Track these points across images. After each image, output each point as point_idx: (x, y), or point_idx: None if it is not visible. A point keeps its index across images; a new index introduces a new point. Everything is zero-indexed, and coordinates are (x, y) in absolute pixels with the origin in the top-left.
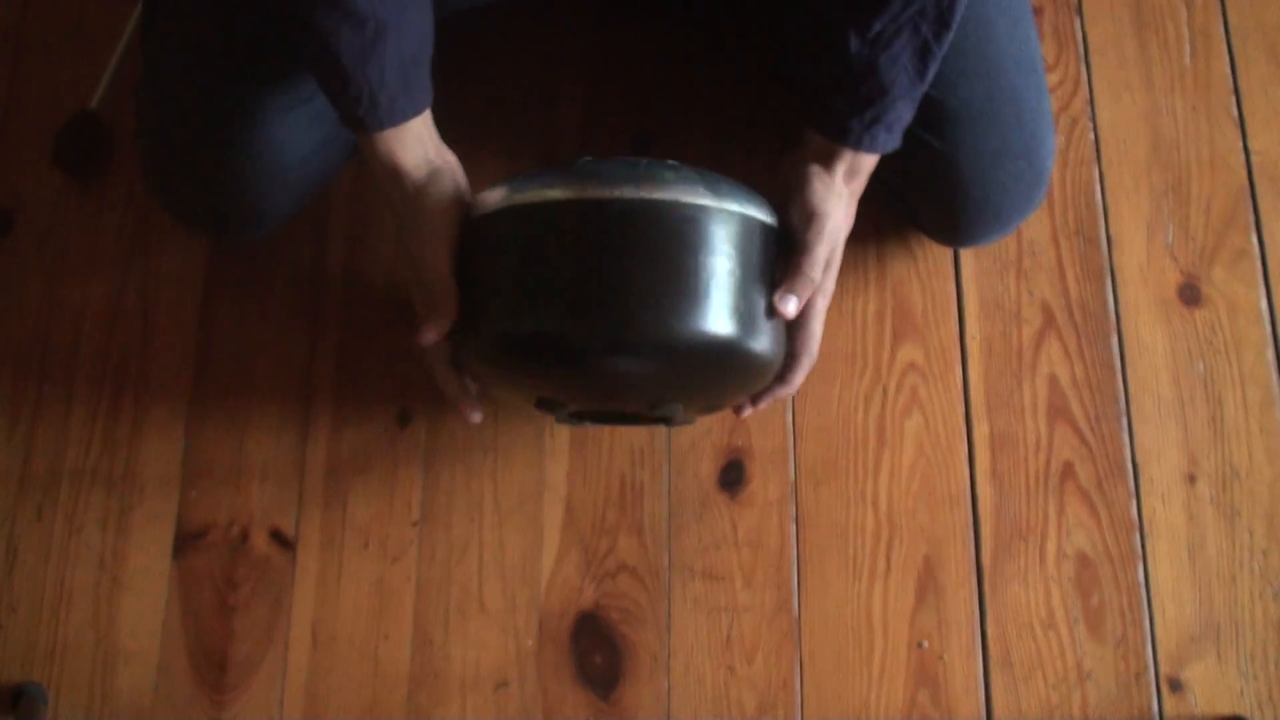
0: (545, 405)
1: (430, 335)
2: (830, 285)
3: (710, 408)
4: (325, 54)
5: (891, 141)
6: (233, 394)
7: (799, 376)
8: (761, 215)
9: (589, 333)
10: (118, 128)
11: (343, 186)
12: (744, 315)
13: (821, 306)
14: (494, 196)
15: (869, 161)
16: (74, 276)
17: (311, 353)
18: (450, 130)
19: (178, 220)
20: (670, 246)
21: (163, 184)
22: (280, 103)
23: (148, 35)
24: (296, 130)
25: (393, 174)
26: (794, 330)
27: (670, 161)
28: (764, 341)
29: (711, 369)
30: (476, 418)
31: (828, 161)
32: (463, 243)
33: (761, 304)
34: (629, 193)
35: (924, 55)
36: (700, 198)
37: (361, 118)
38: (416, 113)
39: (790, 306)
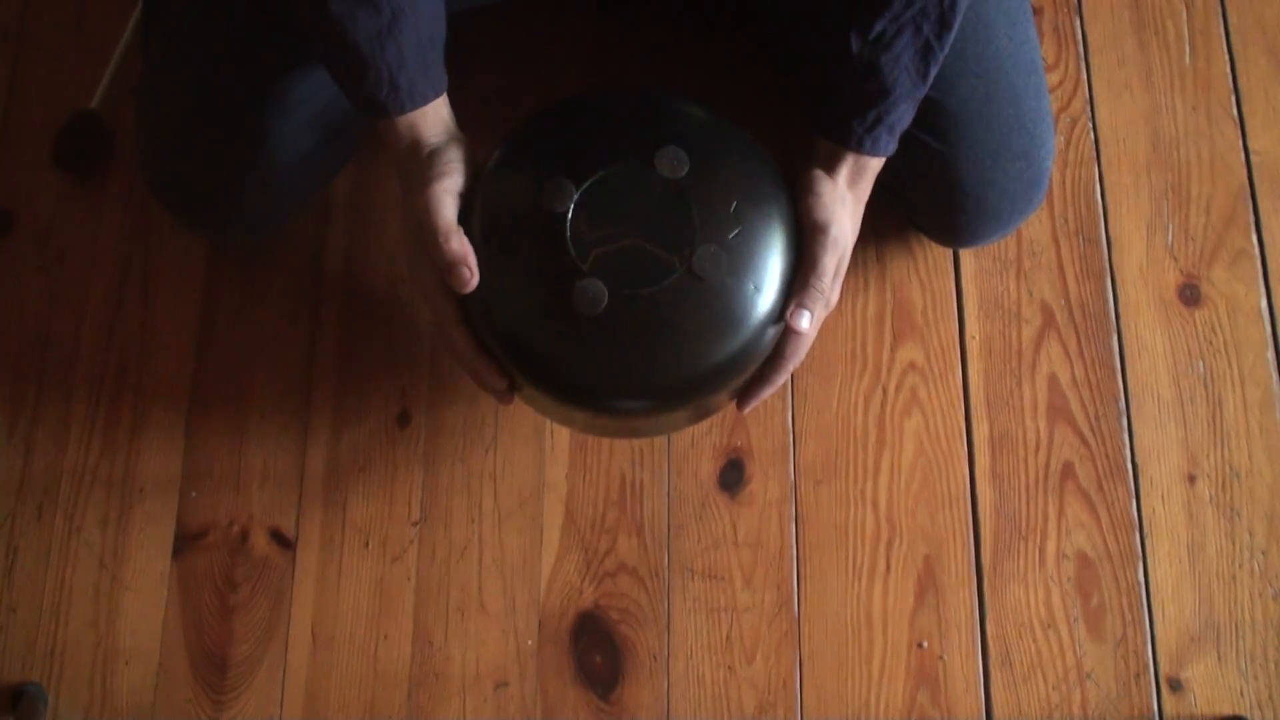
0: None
1: (460, 286)
2: (835, 296)
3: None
4: (342, 42)
5: (892, 144)
6: (233, 394)
7: (782, 376)
8: (787, 223)
9: (594, 384)
10: (118, 128)
11: (343, 187)
12: (757, 339)
13: (821, 315)
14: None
15: (873, 164)
16: (74, 276)
17: (311, 353)
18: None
19: (177, 221)
20: (699, 314)
21: (162, 184)
22: (280, 103)
23: (148, 35)
24: (297, 131)
25: (412, 146)
26: (788, 334)
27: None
28: (762, 341)
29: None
30: (508, 399)
31: (831, 166)
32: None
33: (766, 318)
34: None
35: (926, 56)
36: (740, 276)
37: (384, 101)
38: (437, 94)
39: (804, 322)
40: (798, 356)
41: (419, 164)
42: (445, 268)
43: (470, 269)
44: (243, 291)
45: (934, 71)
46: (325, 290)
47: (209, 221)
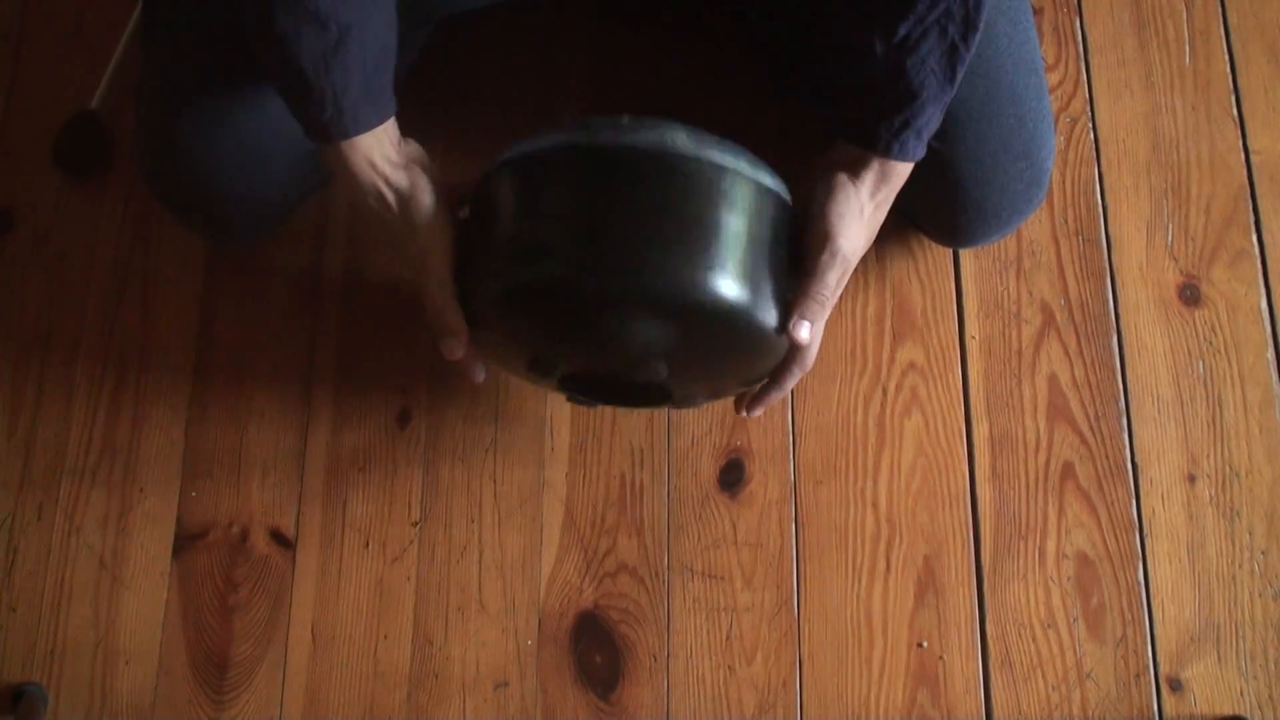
0: (539, 367)
1: (454, 352)
2: (835, 299)
3: (711, 390)
4: (286, 60)
5: (920, 149)
6: (233, 394)
7: (790, 381)
8: (777, 189)
9: (595, 280)
10: (118, 128)
11: None
12: (753, 284)
13: (823, 320)
14: (502, 155)
15: (900, 170)
16: (74, 276)
17: (311, 353)
18: (450, 130)
19: (177, 220)
20: (683, 200)
21: (162, 184)
22: (280, 104)
23: (148, 35)
24: (297, 130)
25: (365, 187)
26: (794, 343)
27: (686, 123)
28: (770, 317)
29: (716, 335)
30: (479, 376)
31: (856, 170)
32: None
33: (770, 283)
34: (641, 142)
35: (952, 57)
36: (715, 158)
37: (325, 125)
38: (380, 121)
39: (803, 332)
40: (805, 364)
41: (391, 219)
42: (437, 333)
43: (462, 345)
44: (243, 291)
45: (961, 72)
46: (325, 290)
47: (209, 221)
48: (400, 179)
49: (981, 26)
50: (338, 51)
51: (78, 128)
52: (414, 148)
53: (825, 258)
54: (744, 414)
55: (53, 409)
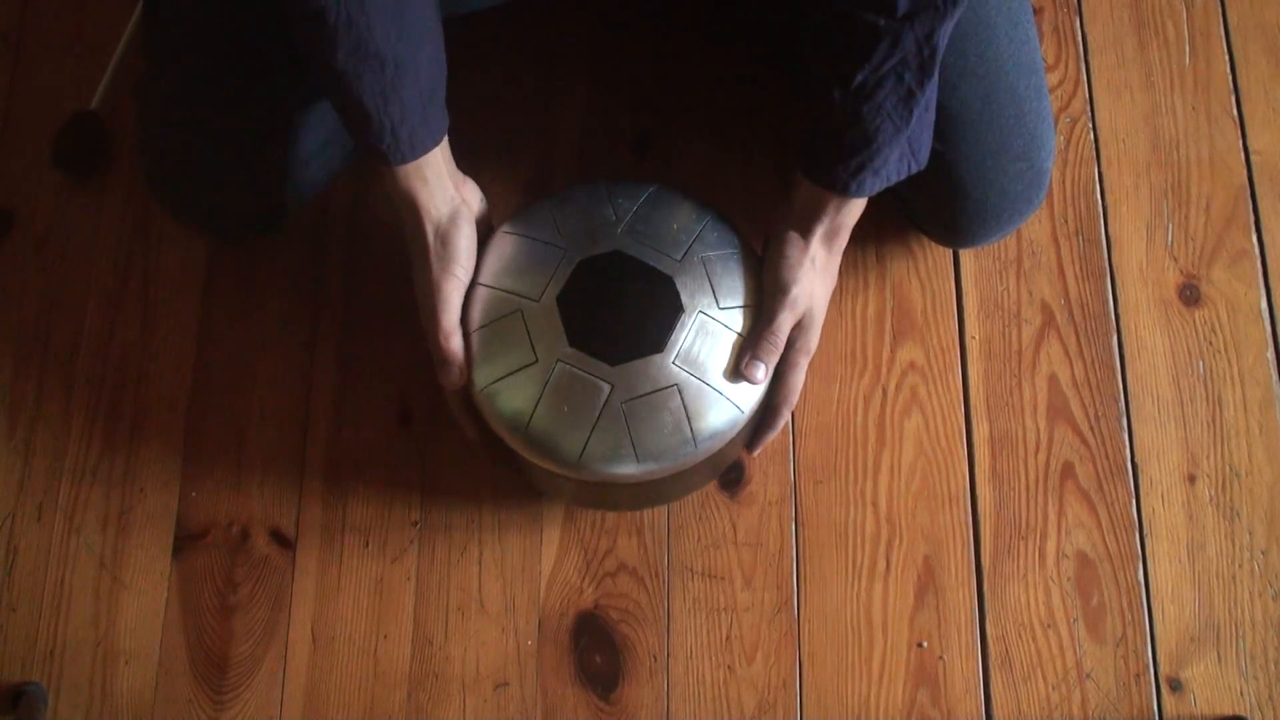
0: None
1: (446, 383)
2: (813, 343)
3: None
4: (348, 95)
5: (879, 184)
6: (233, 394)
7: (782, 420)
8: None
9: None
10: (118, 128)
11: (343, 187)
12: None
13: (803, 362)
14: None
15: (852, 214)
16: (74, 276)
17: (311, 353)
18: (450, 130)
19: (177, 221)
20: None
21: (163, 185)
22: (280, 103)
23: (148, 36)
24: (297, 131)
25: (413, 208)
26: (775, 384)
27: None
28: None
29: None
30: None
31: (807, 224)
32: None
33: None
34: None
35: (908, 101)
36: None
37: (384, 152)
38: (435, 143)
39: (759, 373)
40: (790, 401)
41: (423, 245)
42: (438, 361)
43: (460, 370)
44: (243, 291)
45: (918, 112)
46: (325, 290)
47: (209, 221)
48: (443, 212)
49: (937, 70)
50: (395, 86)
51: (78, 128)
52: (471, 187)
53: (777, 305)
54: (749, 453)
55: (53, 409)
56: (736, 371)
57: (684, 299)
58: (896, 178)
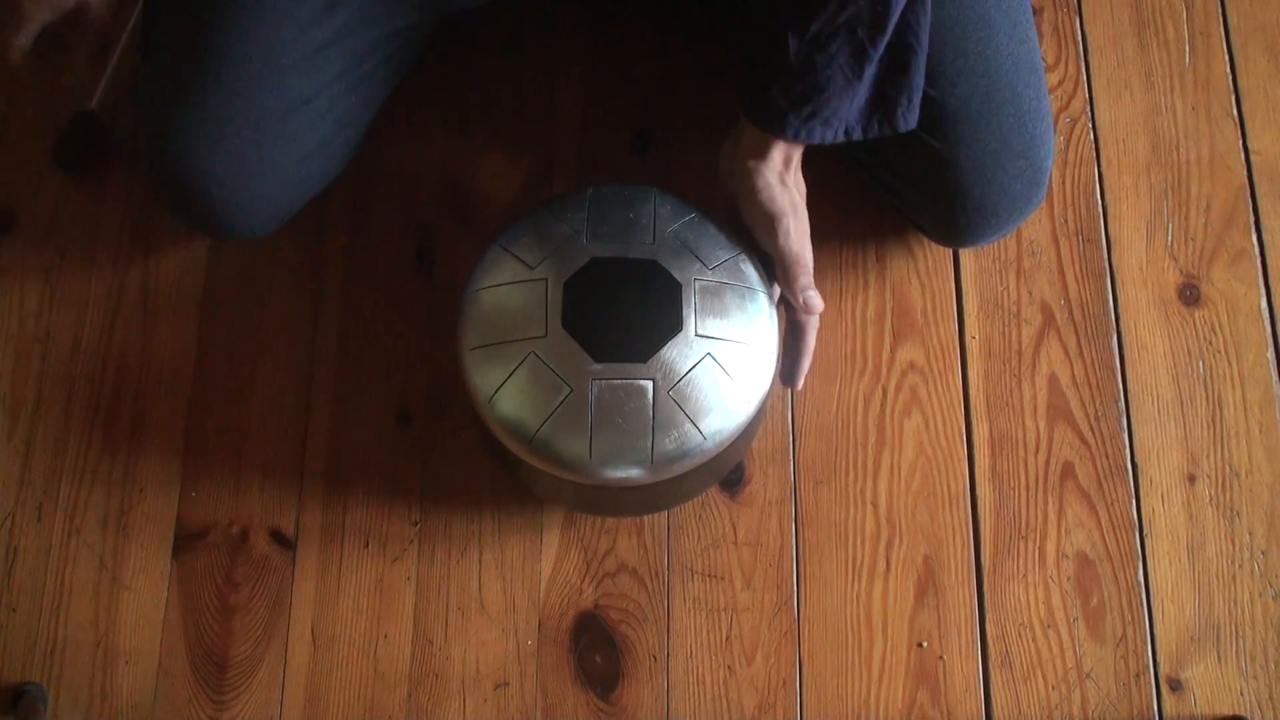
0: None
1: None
2: (810, 256)
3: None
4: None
5: (828, 135)
6: (233, 394)
7: (812, 339)
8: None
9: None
10: (118, 128)
11: (343, 186)
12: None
13: (809, 278)
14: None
15: (800, 150)
16: (74, 276)
17: (311, 353)
18: (450, 130)
19: (178, 220)
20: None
21: (163, 184)
22: (280, 103)
23: (148, 35)
24: (297, 130)
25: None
26: (794, 311)
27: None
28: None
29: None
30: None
31: (762, 154)
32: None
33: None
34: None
35: (860, 57)
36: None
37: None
38: None
39: (816, 301)
40: (814, 320)
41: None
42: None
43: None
44: (243, 291)
45: (869, 71)
46: (325, 290)
47: (209, 221)
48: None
49: (890, 29)
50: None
51: (78, 128)
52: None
53: (783, 234)
54: (790, 386)
55: (53, 409)
56: (789, 309)
57: (676, 275)
58: (861, 135)
